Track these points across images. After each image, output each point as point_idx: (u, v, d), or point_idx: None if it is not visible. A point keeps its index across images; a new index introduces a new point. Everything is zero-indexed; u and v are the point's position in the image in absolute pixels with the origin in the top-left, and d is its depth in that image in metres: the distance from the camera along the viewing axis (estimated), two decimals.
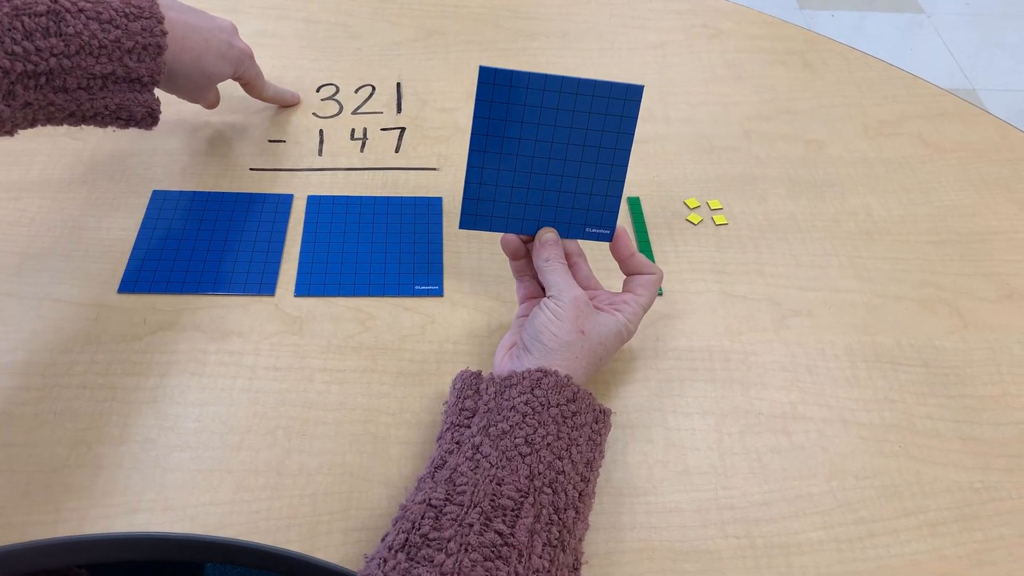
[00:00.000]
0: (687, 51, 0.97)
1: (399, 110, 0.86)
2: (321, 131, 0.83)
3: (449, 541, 0.46)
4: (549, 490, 0.50)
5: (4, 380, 0.62)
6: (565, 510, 0.50)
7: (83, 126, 0.65)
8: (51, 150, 0.78)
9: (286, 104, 0.85)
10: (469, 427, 0.55)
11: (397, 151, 0.82)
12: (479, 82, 0.59)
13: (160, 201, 0.75)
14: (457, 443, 0.54)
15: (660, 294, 0.71)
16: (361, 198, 0.77)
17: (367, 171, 0.80)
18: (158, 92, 0.68)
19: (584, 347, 0.58)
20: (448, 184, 0.79)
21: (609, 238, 0.64)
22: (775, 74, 0.94)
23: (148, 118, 0.67)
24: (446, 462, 0.52)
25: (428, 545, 0.46)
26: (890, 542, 0.58)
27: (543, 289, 0.63)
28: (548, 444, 0.52)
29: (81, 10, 0.59)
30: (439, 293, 0.70)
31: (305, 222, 0.74)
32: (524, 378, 0.55)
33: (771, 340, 0.69)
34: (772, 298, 0.72)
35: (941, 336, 0.70)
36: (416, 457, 0.59)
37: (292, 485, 0.58)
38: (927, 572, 0.56)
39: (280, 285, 0.69)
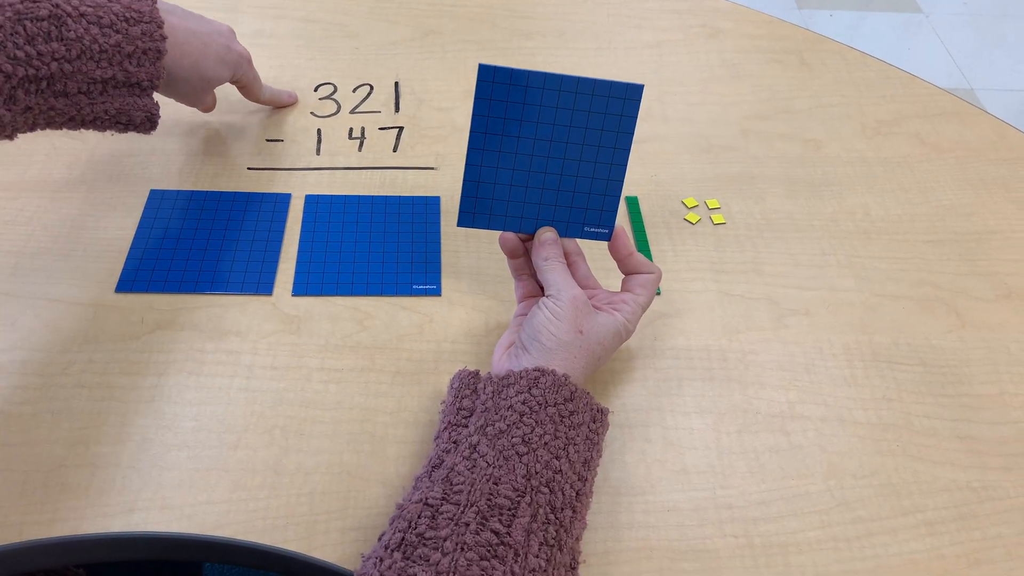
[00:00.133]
0: (685, 51, 0.97)
1: (397, 109, 0.86)
2: (319, 130, 0.83)
3: (445, 540, 0.46)
4: (546, 489, 0.50)
5: (1, 379, 0.62)
6: (562, 509, 0.50)
7: (82, 130, 0.65)
8: (49, 150, 0.78)
9: (283, 105, 0.85)
10: (466, 426, 0.55)
11: (395, 150, 0.82)
12: (478, 80, 0.59)
13: (158, 200, 0.75)
14: (454, 442, 0.54)
15: (658, 293, 0.71)
16: (359, 197, 0.77)
17: (365, 170, 0.80)
18: (156, 96, 0.68)
19: (582, 347, 0.58)
20: (446, 183, 0.79)
21: (608, 237, 0.64)
22: (773, 74, 0.94)
23: (147, 123, 0.67)
24: (443, 461, 0.52)
25: (424, 544, 0.46)
26: (888, 541, 0.58)
27: (541, 288, 0.63)
28: (545, 443, 0.52)
29: (82, 15, 0.59)
30: (437, 292, 0.70)
31: (303, 221, 0.74)
32: (522, 377, 0.55)
33: (769, 339, 0.69)
34: (770, 297, 0.72)
35: (939, 335, 0.70)
36: (414, 456, 0.59)
37: (290, 484, 0.58)
38: (925, 571, 0.56)
39: (278, 284, 0.69)
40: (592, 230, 0.64)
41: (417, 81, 0.90)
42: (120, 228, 0.72)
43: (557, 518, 0.50)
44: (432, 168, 0.80)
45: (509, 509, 0.48)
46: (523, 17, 0.99)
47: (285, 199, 0.76)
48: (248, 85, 0.79)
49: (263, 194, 0.76)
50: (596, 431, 0.56)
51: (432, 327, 0.67)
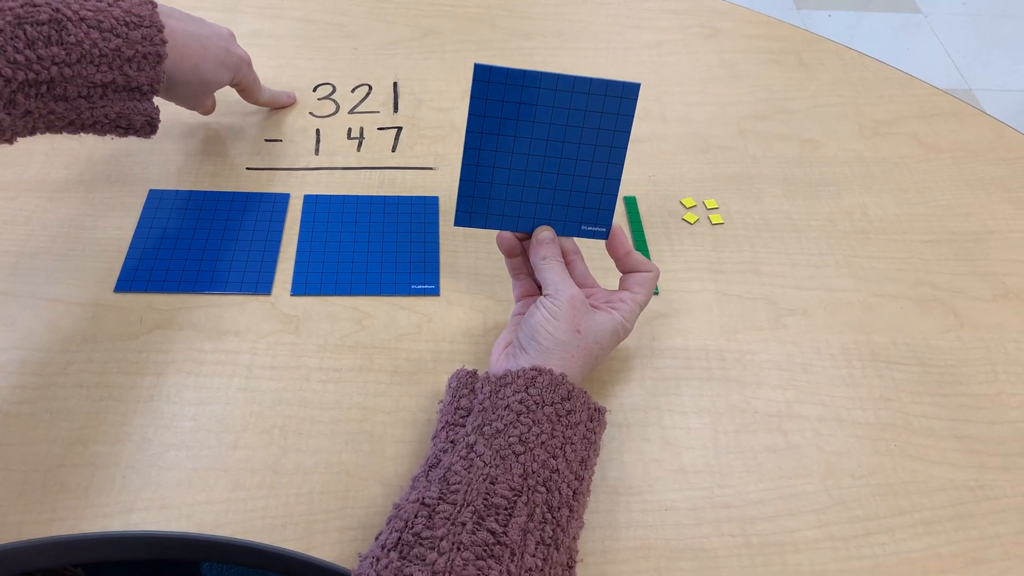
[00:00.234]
0: (683, 51, 0.97)
1: (396, 109, 0.87)
2: (318, 130, 0.83)
3: (442, 540, 0.46)
4: (543, 489, 0.50)
5: (0, 379, 0.62)
6: (559, 509, 0.50)
7: (82, 134, 0.65)
8: (48, 150, 0.78)
9: (282, 106, 0.85)
10: (464, 426, 0.55)
11: (394, 150, 0.82)
12: (474, 80, 0.59)
13: (157, 200, 0.75)
14: (452, 442, 0.54)
15: (656, 293, 0.71)
16: (358, 197, 0.77)
17: (364, 170, 0.80)
18: (156, 99, 0.68)
19: (580, 346, 0.58)
20: (445, 183, 0.79)
21: (605, 236, 0.64)
22: (771, 74, 0.95)
23: (147, 127, 0.67)
24: (440, 461, 0.52)
25: (421, 544, 0.47)
26: (885, 540, 0.58)
27: (539, 287, 0.63)
28: (542, 443, 0.52)
29: (83, 19, 0.59)
30: (435, 292, 0.70)
31: (302, 221, 0.74)
32: (519, 377, 0.55)
33: (767, 339, 0.69)
34: (768, 297, 0.72)
35: (936, 335, 0.70)
36: (412, 456, 0.60)
37: (288, 484, 0.58)
38: (922, 570, 0.56)
39: (276, 284, 0.70)
40: (590, 229, 0.64)
41: (416, 81, 0.90)
42: (119, 228, 0.72)
43: (554, 517, 0.50)
44: (431, 168, 0.81)
45: (506, 509, 0.49)
46: (522, 17, 0.99)
47: (284, 199, 0.76)
48: (248, 88, 0.79)
49: (262, 194, 0.76)
50: (593, 430, 0.56)
51: (430, 327, 0.68)
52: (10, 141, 0.60)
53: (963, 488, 0.61)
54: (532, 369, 0.55)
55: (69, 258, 0.70)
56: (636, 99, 0.60)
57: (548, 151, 0.62)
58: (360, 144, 0.83)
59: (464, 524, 0.47)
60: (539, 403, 0.53)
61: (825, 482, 0.60)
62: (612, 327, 0.60)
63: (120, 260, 0.70)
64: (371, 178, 0.79)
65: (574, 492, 0.52)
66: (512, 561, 0.46)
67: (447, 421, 0.56)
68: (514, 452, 0.51)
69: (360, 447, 0.60)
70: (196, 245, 0.71)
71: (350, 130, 0.84)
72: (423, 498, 0.49)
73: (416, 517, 0.48)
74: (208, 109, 0.78)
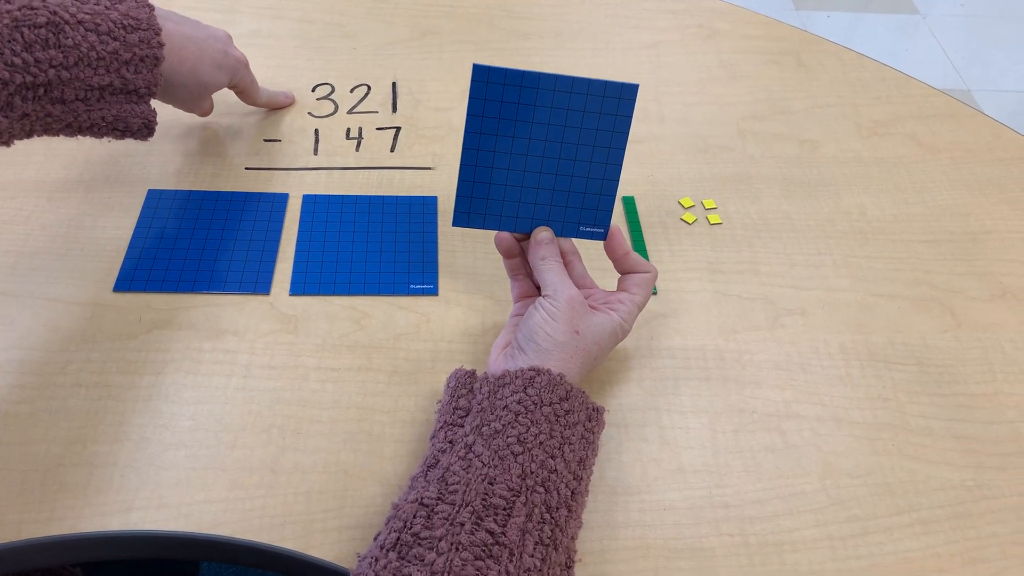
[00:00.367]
0: (682, 51, 0.97)
1: (394, 109, 0.87)
2: (316, 130, 0.84)
3: (440, 540, 0.46)
4: (541, 489, 0.50)
5: None
6: (557, 508, 0.51)
7: (79, 136, 0.65)
8: (47, 150, 0.78)
9: (280, 106, 0.85)
10: (462, 426, 0.55)
11: (392, 150, 0.82)
12: (472, 80, 0.59)
13: (156, 200, 0.75)
14: (450, 442, 0.54)
15: (655, 293, 0.71)
16: (356, 197, 0.77)
17: (362, 170, 0.80)
18: (154, 102, 0.68)
19: (579, 347, 0.58)
20: (443, 183, 0.79)
21: (603, 237, 0.64)
22: (770, 74, 0.95)
23: (144, 130, 0.67)
24: (439, 461, 0.52)
25: (419, 544, 0.47)
26: (883, 540, 0.58)
27: (538, 288, 0.64)
28: (540, 443, 0.52)
29: (80, 22, 0.59)
30: (434, 292, 0.70)
31: (300, 221, 0.74)
32: (517, 377, 0.55)
33: (765, 339, 0.69)
34: (766, 297, 0.72)
35: (934, 335, 0.70)
36: (410, 455, 0.60)
37: (287, 483, 0.58)
38: (919, 570, 0.57)
39: (275, 284, 0.70)
40: (588, 229, 0.64)
41: (415, 81, 0.90)
42: (118, 228, 0.72)
43: (552, 517, 0.50)
44: (429, 168, 0.81)
45: (504, 509, 0.49)
46: (520, 18, 0.99)
47: (283, 199, 0.76)
48: (246, 89, 0.79)
49: (261, 194, 0.77)
50: (592, 430, 0.56)
51: (429, 327, 0.68)
52: (7, 143, 0.60)
53: (961, 488, 0.61)
54: (530, 369, 0.55)
55: (68, 258, 0.70)
56: (634, 100, 0.61)
57: (546, 151, 0.62)
58: (359, 144, 0.83)
59: (463, 524, 0.47)
60: (537, 403, 0.53)
61: (823, 482, 0.61)
62: (611, 328, 0.60)
63: (119, 260, 0.70)
64: (370, 178, 0.79)
65: (572, 492, 0.52)
66: (511, 561, 0.46)
67: (445, 421, 0.56)
68: (512, 452, 0.51)
69: (358, 447, 0.60)
70: (195, 245, 0.71)
71: (349, 130, 0.84)
72: (422, 498, 0.49)
73: (415, 517, 0.48)
74: (205, 111, 0.78)
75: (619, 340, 0.62)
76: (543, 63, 0.93)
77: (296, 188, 0.77)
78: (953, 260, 0.76)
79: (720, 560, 0.56)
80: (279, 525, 0.56)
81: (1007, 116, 2.20)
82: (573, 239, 0.65)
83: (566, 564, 0.51)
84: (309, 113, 0.85)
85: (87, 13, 0.60)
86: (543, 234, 0.63)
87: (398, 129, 0.85)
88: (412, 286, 0.70)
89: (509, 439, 0.52)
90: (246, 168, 0.79)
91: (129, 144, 0.79)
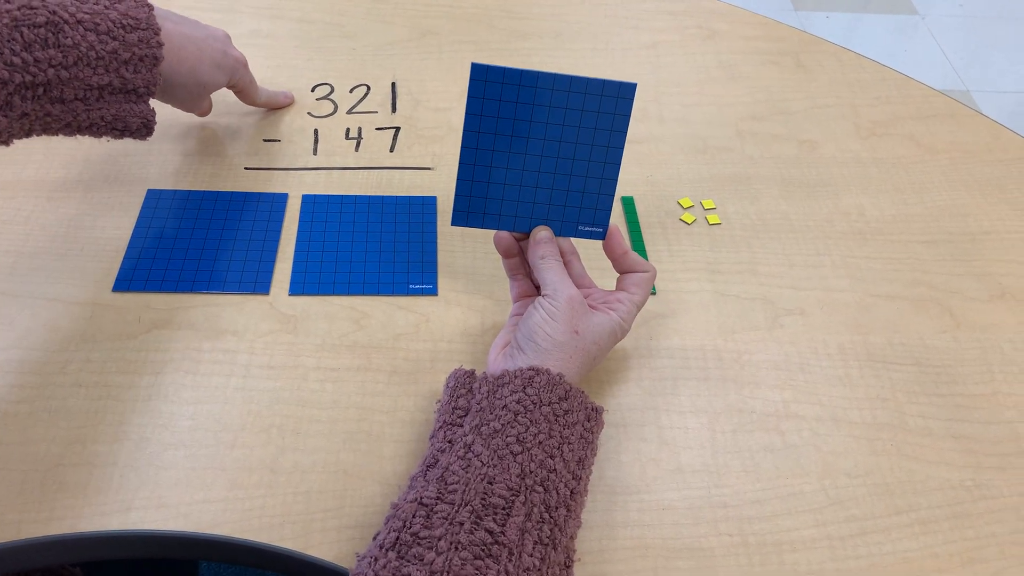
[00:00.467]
0: (681, 52, 0.97)
1: (394, 110, 0.87)
2: (316, 130, 0.84)
3: (439, 540, 0.46)
4: (540, 488, 0.50)
5: None
6: (556, 508, 0.51)
7: (78, 136, 0.65)
8: (46, 149, 0.78)
9: (280, 106, 0.85)
10: (462, 426, 0.55)
11: (392, 150, 0.82)
12: (471, 79, 0.60)
13: (155, 200, 0.75)
14: (449, 442, 0.54)
15: (653, 293, 0.71)
16: (356, 197, 0.77)
17: (362, 170, 0.80)
18: (153, 102, 0.68)
19: (578, 347, 0.58)
20: (442, 183, 0.79)
21: (602, 236, 0.64)
22: (769, 75, 0.95)
23: (143, 129, 0.67)
24: (438, 461, 0.52)
25: (419, 544, 0.47)
26: (882, 540, 0.58)
27: (537, 288, 0.64)
28: (540, 442, 0.52)
29: (79, 21, 0.59)
30: (433, 292, 0.70)
31: (300, 221, 0.74)
32: (516, 377, 0.55)
33: (764, 339, 0.69)
34: (765, 297, 0.72)
35: (933, 335, 0.70)
36: (410, 455, 0.60)
37: (286, 483, 0.58)
38: (918, 569, 0.57)
39: (274, 284, 0.70)
40: (586, 229, 0.64)
41: (414, 82, 0.90)
42: (117, 227, 0.72)
43: (552, 517, 0.50)
44: (429, 168, 0.81)
45: (503, 508, 0.49)
46: (520, 18, 0.99)
47: (282, 199, 0.76)
48: (244, 89, 0.79)
49: (260, 194, 0.77)
50: (591, 430, 0.56)
51: (428, 327, 0.68)
52: (6, 143, 0.61)
53: (959, 488, 0.61)
54: (529, 369, 0.55)
55: (67, 258, 0.70)
56: (632, 99, 0.61)
57: (545, 151, 0.62)
58: (358, 144, 0.83)
59: (462, 524, 0.47)
60: (536, 403, 0.53)
61: (822, 482, 0.61)
62: (610, 327, 0.60)
63: (118, 260, 0.70)
64: (369, 178, 0.79)
65: (571, 492, 0.52)
66: (510, 561, 0.47)
67: (445, 421, 0.56)
68: (512, 452, 0.51)
69: (358, 446, 0.60)
70: (194, 245, 0.72)
71: (348, 130, 0.84)
72: (421, 498, 0.49)
73: (414, 517, 0.48)
74: (204, 111, 0.78)
75: (618, 339, 0.62)
76: (542, 63, 0.93)
77: (295, 188, 0.77)
78: (952, 260, 0.76)
79: (719, 560, 0.56)
80: (278, 525, 0.56)
81: (1006, 117, 2.20)
82: (572, 238, 0.65)
83: (565, 563, 0.51)
84: (308, 113, 0.85)
85: (86, 13, 0.60)
86: (542, 233, 0.63)
87: (397, 129, 0.85)
88: (411, 286, 0.70)
89: (508, 439, 0.52)
90: (245, 168, 0.79)
91: (128, 144, 0.79)
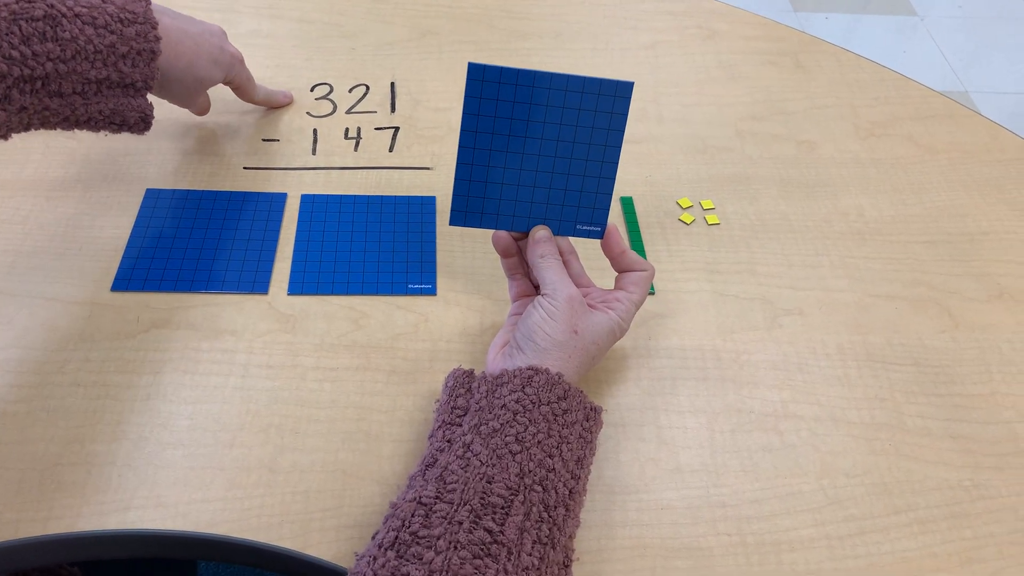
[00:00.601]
0: (680, 52, 0.97)
1: (393, 109, 0.87)
2: (315, 130, 0.84)
3: (438, 539, 0.46)
4: (539, 488, 0.50)
5: None
6: (555, 508, 0.51)
7: (76, 130, 0.65)
8: (45, 149, 0.78)
9: (278, 105, 0.85)
10: (460, 425, 0.55)
11: (391, 150, 0.82)
12: (468, 78, 0.60)
13: (154, 199, 0.75)
14: (448, 441, 0.54)
15: (652, 293, 0.71)
16: (355, 197, 0.77)
17: (361, 170, 0.80)
18: (151, 98, 0.68)
19: (577, 346, 0.58)
20: (441, 183, 0.79)
21: (600, 235, 0.64)
22: (768, 75, 0.95)
23: (141, 123, 0.67)
24: (437, 460, 0.52)
25: (418, 543, 0.47)
26: (880, 539, 0.58)
27: (535, 288, 0.64)
28: (539, 442, 0.52)
29: (77, 15, 0.59)
30: (432, 292, 0.70)
31: (299, 221, 0.74)
32: (515, 376, 0.55)
33: (763, 339, 0.69)
34: (764, 297, 0.72)
35: (931, 335, 0.70)
36: (408, 455, 0.60)
37: (285, 482, 0.58)
38: (916, 569, 0.57)
39: (273, 283, 0.70)
40: (585, 228, 0.64)
41: (413, 82, 0.90)
42: (116, 227, 0.72)
43: (550, 516, 0.50)
44: (428, 168, 0.81)
45: (502, 508, 0.49)
46: (519, 18, 0.99)
47: (281, 198, 0.76)
48: (242, 85, 0.79)
49: (259, 193, 0.77)
50: (589, 429, 0.56)
51: (427, 326, 0.68)
52: (5, 137, 0.61)
53: (958, 488, 0.61)
54: (528, 368, 0.55)
55: (66, 257, 0.70)
56: (630, 98, 0.61)
57: (543, 150, 0.62)
58: (357, 144, 0.83)
59: (461, 523, 0.47)
60: (535, 402, 0.53)
61: (821, 481, 0.61)
62: (608, 327, 0.60)
63: (117, 259, 0.70)
64: (368, 178, 0.79)
65: (570, 491, 0.52)
66: (509, 560, 0.47)
67: (443, 420, 0.56)
68: (510, 451, 0.51)
69: (356, 446, 0.60)
70: (193, 244, 0.71)
71: (347, 130, 0.84)
72: (420, 497, 0.49)
73: (413, 516, 0.48)
74: (202, 108, 0.78)
75: (617, 339, 0.62)
76: (542, 63, 0.93)
77: (294, 188, 0.77)
78: (950, 261, 0.76)
79: (717, 559, 0.56)
80: (277, 524, 0.56)
81: (1005, 117, 2.20)
82: (570, 238, 0.65)
83: (564, 563, 0.51)
84: (308, 113, 0.85)
85: (84, 7, 0.60)
86: (541, 232, 0.63)
87: (396, 129, 0.85)
88: (410, 286, 0.70)
89: (507, 438, 0.52)
90: (244, 167, 0.79)
91: (127, 143, 0.79)
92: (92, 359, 0.63)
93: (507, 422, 0.53)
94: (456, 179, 0.63)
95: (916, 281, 0.74)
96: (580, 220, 0.64)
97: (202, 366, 0.64)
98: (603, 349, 0.60)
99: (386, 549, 0.47)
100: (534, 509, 0.49)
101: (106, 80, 0.62)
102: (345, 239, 0.73)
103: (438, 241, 0.74)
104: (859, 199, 0.81)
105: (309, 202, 0.76)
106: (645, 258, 0.73)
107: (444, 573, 0.45)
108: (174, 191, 0.76)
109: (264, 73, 0.87)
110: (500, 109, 0.61)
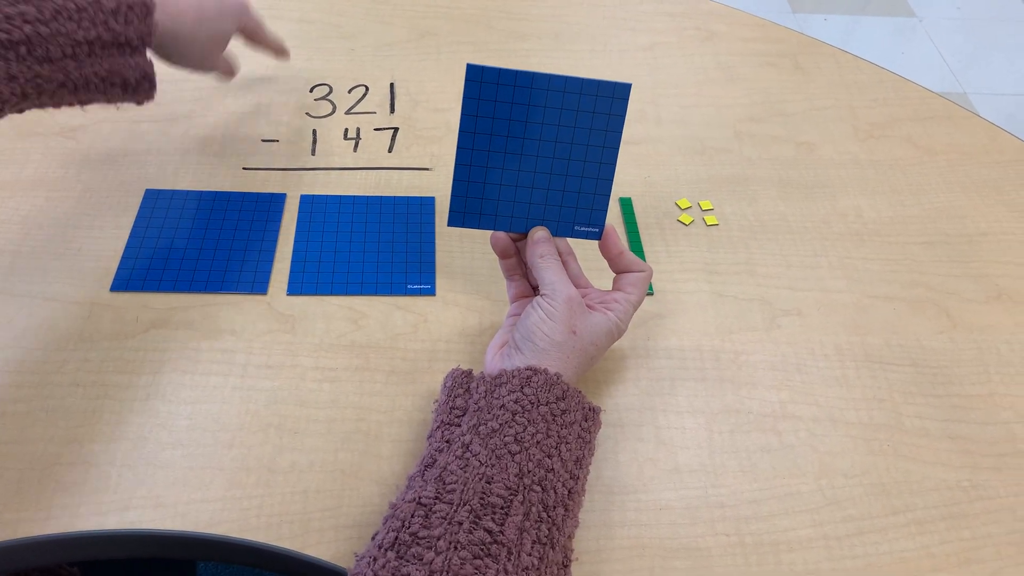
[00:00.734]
0: (679, 53, 0.97)
1: (392, 110, 0.87)
2: (314, 131, 0.84)
3: (438, 539, 0.46)
4: (538, 488, 0.50)
5: None
6: (554, 508, 0.51)
7: (79, 106, 0.63)
8: (45, 149, 0.79)
9: (282, 53, 0.83)
10: (459, 426, 0.55)
11: (390, 151, 0.82)
12: (466, 80, 0.60)
13: (153, 200, 0.75)
14: (447, 441, 0.54)
15: (651, 293, 0.71)
16: (354, 197, 0.77)
17: (360, 171, 0.80)
18: (166, 68, 0.65)
19: (576, 347, 0.58)
20: (440, 184, 0.79)
21: (598, 236, 0.64)
22: (767, 76, 0.95)
23: (144, 82, 0.64)
24: (436, 460, 0.52)
25: (418, 543, 0.47)
26: (878, 540, 0.58)
27: (534, 288, 0.64)
28: (537, 442, 0.52)
29: None
30: (431, 292, 0.70)
31: (298, 221, 0.74)
32: (514, 376, 0.55)
33: (761, 340, 0.69)
34: (763, 298, 0.72)
35: (930, 336, 0.70)
36: (407, 455, 0.60)
37: (284, 482, 0.58)
38: (915, 569, 0.57)
39: (273, 284, 0.70)
40: (583, 229, 0.64)
41: (413, 82, 0.90)
42: (115, 227, 0.72)
43: (550, 516, 0.50)
44: (427, 169, 0.81)
45: (502, 508, 0.49)
46: (518, 19, 0.99)
47: (280, 199, 0.76)
48: (255, 30, 0.77)
49: (258, 194, 0.77)
50: (588, 429, 0.56)
51: (426, 327, 0.68)
52: (1, 112, 0.58)
53: (956, 488, 0.61)
54: (527, 369, 0.55)
55: (65, 257, 0.70)
56: (627, 99, 0.61)
57: (541, 151, 0.62)
58: (356, 145, 0.83)
59: (461, 523, 0.47)
60: (534, 403, 0.53)
61: (819, 482, 0.61)
62: (607, 327, 0.60)
63: (116, 259, 0.70)
64: (367, 178, 0.79)
65: (569, 491, 0.52)
66: (509, 560, 0.47)
67: (442, 421, 0.56)
68: (510, 451, 0.51)
69: (356, 446, 0.60)
70: (192, 245, 0.72)
71: (347, 130, 0.84)
72: (419, 498, 0.49)
73: (413, 517, 0.48)
74: (227, 70, 0.75)
75: (615, 339, 0.62)
76: (541, 64, 0.93)
77: (294, 188, 0.78)
78: (949, 262, 0.76)
79: (716, 560, 0.56)
80: (276, 524, 0.56)
81: (1003, 119, 2.21)
82: (568, 239, 0.65)
83: (563, 563, 0.51)
84: (307, 113, 0.85)
85: None
86: (540, 233, 0.63)
87: (396, 130, 0.85)
88: (409, 286, 0.70)
89: (506, 438, 0.52)
90: (244, 168, 0.79)
91: (127, 143, 0.79)
92: (91, 359, 0.63)
93: (506, 422, 0.53)
94: (455, 180, 0.63)
95: (914, 282, 0.74)
96: (578, 221, 0.64)
97: (201, 366, 0.64)
98: (601, 350, 0.60)
99: (386, 550, 0.47)
100: (533, 509, 0.50)
101: (97, 40, 0.59)
102: (344, 239, 0.73)
103: (437, 242, 0.74)
104: (858, 200, 0.81)
105: (308, 202, 0.76)
106: (644, 259, 0.73)
107: (444, 573, 0.45)
108: (173, 191, 0.76)
109: (264, 73, 0.87)
110: (498, 110, 0.61)
